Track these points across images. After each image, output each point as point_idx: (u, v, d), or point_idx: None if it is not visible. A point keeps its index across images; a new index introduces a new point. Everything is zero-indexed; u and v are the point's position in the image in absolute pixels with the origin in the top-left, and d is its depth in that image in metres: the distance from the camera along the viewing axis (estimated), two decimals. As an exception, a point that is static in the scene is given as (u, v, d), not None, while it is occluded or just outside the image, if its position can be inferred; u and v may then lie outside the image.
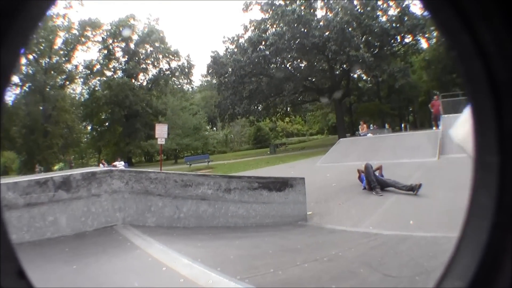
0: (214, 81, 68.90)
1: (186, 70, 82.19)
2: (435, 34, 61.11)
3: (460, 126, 2.46)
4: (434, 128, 31.99)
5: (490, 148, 1.14)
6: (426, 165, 19.64)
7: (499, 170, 1.12)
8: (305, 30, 50.71)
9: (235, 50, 56.79)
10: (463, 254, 1.21)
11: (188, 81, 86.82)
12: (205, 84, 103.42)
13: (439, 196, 12.38)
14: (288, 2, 54.43)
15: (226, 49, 59.47)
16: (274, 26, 54.80)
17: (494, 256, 1.12)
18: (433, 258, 6.66)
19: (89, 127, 79.71)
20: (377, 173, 14.72)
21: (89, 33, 73.64)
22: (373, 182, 14.05)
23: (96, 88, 74.83)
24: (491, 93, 1.12)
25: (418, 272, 6.01)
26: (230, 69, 56.12)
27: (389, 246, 8.03)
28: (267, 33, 53.29)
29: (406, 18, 53.09)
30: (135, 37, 77.34)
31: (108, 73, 76.03)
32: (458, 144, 2.44)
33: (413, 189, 13.02)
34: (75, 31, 71.16)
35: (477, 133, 1.20)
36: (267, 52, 52.00)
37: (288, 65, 58.70)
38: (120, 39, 75.68)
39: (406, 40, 59.26)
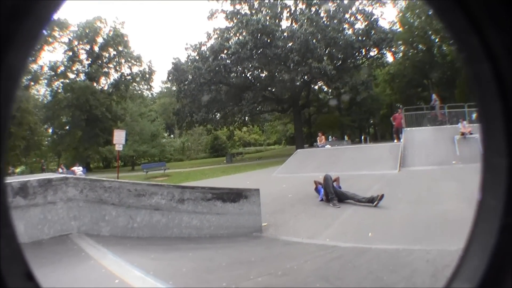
0: (174, 88, 69.10)
1: (147, 75, 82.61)
2: (402, 48, 62.31)
3: None
4: (395, 140, 32.23)
5: (498, 150, 1.13)
6: (386, 177, 19.72)
7: (507, 172, 1.12)
8: (268, 40, 51.06)
9: (197, 57, 56.62)
10: (472, 256, 1.22)
11: (148, 87, 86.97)
12: (165, 90, 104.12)
13: (400, 208, 12.40)
14: (254, 11, 54.76)
15: (188, 56, 59.37)
16: (238, 35, 54.93)
17: (503, 257, 1.12)
18: (393, 271, 6.61)
19: (50, 130, 78.78)
20: (334, 184, 14.55)
21: (56, 34, 73.35)
22: (331, 193, 13.89)
23: (59, 91, 74.41)
24: (500, 95, 1.10)
25: (377, 286, 5.87)
26: (190, 77, 55.98)
27: (347, 259, 7.86)
28: (230, 42, 53.43)
29: (373, 32, 54.20)
30: (100, 40, 77.56)
31: (72, 76, 75.97)
32: None
33: (373, 201, 12.90)
34: (43, 31, 70.10)
35: (485, 135, 1.20)
36: (228, 61, 52.02)
37: (248, 75, 58.97)
38: (85, 41, 75.45)
39: (371, 54, 60.22)
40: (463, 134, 25.73)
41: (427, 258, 6.51)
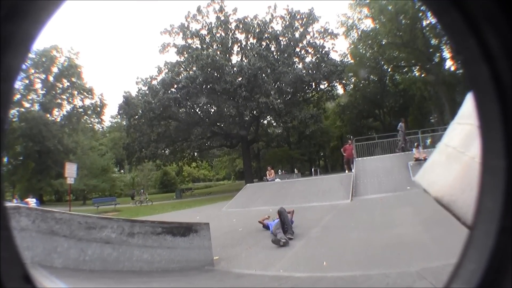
0: (124, 122, 68.60)
1: (99, 109, 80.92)
2: (353, 80, 62.85)
3: (436, 170, 1.89)
4: (346, 171, 32.27)
5: (497, 152, 1.13)
6: (338, 207, 19.80)
7: (505, 174, 1.11)
8: (218, 75, 51.47)
9: (147, 91, 56.39)
10: (470, 258, 1.21)
11: (99, 120, 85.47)
12: (115, 125, 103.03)
13: (353, 236, 12.36)
14: (205, 46, 55.03)
15: (139, 90, 59.11)
16: (188, 69, 55.24)
17: (501, 260, 1.12)
18: (351, 296, 6.51)
19: (5, 159, 76.58)
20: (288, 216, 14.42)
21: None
22: (287, 224, 13.69)
23: (14, 119, 71.94)
24: (498, 96, 1.11)
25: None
26: (140, 111, 55.88)
27: (302, 288, 7.75)
28: (180, 76, 53.56)
29: (323, 65, 55.04)
30: (55, 70, 75.94)
31: (27, 105, 73.73)
32: (437, 198, 1.86)
33: (279, 242, 12.80)
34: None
35: (483, 137, 1.20)
36: (178, 95, 51.92)
37: (197, 110, 58.99)
38: (41, 70, 73.83)
39: (321, 86, 61.08)
40: (417, 159, 26.00)
41: (387, 282, 6.47)
